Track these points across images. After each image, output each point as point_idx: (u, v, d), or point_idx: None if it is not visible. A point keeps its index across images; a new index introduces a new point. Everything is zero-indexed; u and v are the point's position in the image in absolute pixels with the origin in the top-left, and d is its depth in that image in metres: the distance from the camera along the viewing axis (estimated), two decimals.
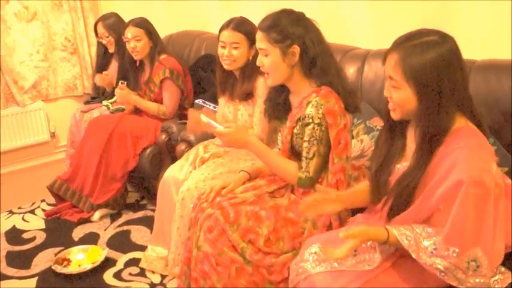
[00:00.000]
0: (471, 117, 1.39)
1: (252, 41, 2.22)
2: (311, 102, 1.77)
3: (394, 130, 1.52)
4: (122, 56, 3.31)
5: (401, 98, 1.37)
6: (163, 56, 3.05)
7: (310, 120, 1.76)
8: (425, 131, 1.35)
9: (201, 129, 2.10)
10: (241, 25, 2.29)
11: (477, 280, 1.26)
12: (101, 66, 3.55)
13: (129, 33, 2.99)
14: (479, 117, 1.40)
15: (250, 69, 2.29)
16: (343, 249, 1.31)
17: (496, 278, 1.39)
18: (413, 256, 1.29)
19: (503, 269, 1.41)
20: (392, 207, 1.44)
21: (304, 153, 1.81)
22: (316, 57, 1.80)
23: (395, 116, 1.44)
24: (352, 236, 1.31)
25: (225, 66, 2.33)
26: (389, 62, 1.37)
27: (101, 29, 3.38)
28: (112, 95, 3.41)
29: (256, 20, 1.92)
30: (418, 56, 1.31)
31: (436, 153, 1.35)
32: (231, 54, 2.29)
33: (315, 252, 1.51)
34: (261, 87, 2.25)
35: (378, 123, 2.25)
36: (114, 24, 3.35)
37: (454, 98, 1.33)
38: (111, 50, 3.43)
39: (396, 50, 1.36)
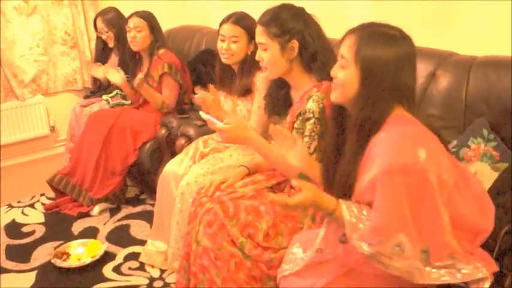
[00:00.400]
0: (410, 111, 1.38)
1: (251, 36, 2.22)
2: (312, 96, 1.76)
3: (340, 130, 1.51)
4: (122, 51, 3.30)
5: (345, 78, 1.39)
6: (161, 51, 3.04)
7: (311, 115, 1.75)
8: (359, 119, 1.36)
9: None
10: (241, 19, 2.29)
11: (401, 263, 1.26)
12: (100, 60, 3.54)
13: (132, 22, 2.99)
14: (420, 117, 1.39)
15: (249, 65, 2.28)
16: (295, 198, 1.35)
17: (466, 271, 1.32)
18: (347, 233, 1.31)
19: (484, 270, 1.32)
20: None
21: None
22: (316, 52, 1.81)
23: (334, 96, 1.46)
24: (304, 186, 1.35)
25: (223, 60, 2.33)
26: (347, 41, 1.40)
27: (100, 24, 3.36)
28: (112, 89, 3.41)
29: (257, 18, 1.91)
30: (374, 43, 1.35)
31: (368, 146, 1.36)
32: (229, 48, 2.28)
33: (294, 253, 1.54)
34: (260, 81, 2.25)
35: None
36: (114, 19, 3.34)
37: (395, 92, 1.35)
38: (111, 44, 3.43)
39: (357, 31, 1.39)
